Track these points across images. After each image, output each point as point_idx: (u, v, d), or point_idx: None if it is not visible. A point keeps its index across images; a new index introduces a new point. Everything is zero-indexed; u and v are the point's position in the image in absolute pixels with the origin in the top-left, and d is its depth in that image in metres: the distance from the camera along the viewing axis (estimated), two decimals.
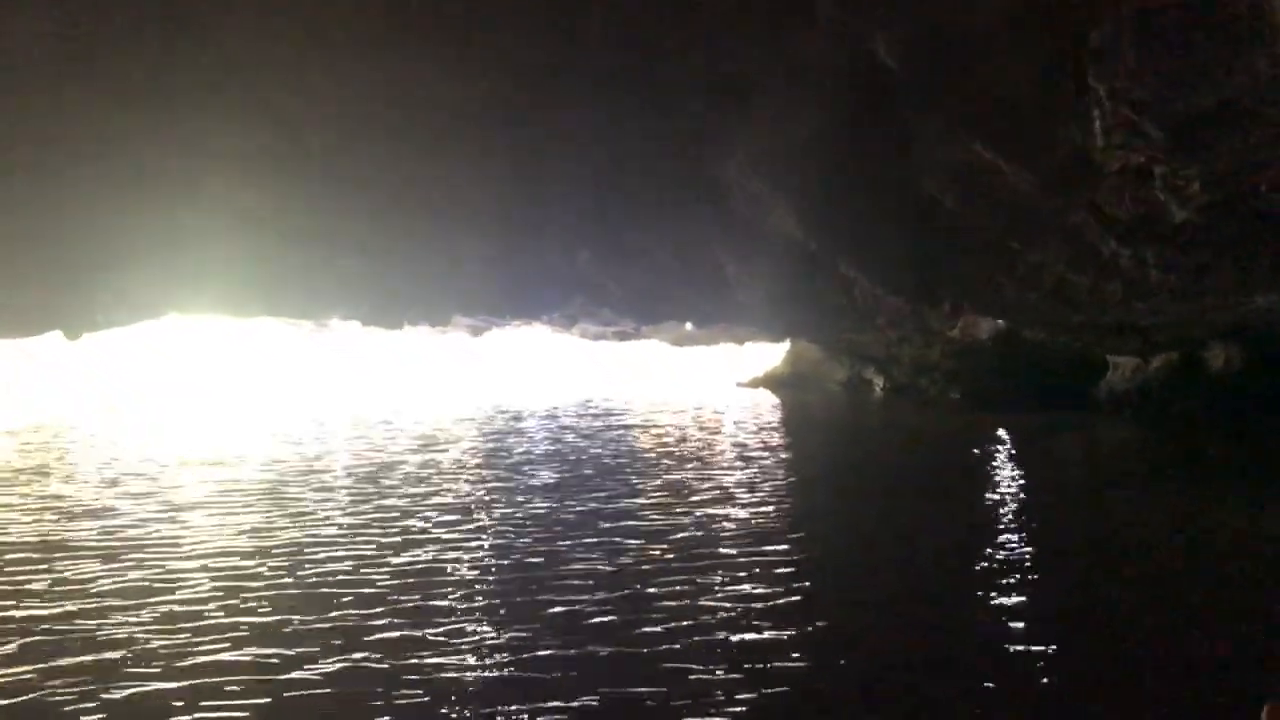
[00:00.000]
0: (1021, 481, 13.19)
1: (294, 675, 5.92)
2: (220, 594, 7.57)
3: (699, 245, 18.23)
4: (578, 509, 10.91)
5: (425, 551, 8.83)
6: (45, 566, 8.45)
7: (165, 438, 19.01)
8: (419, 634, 6.59)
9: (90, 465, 14.71)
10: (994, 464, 14.99)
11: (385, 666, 6.04)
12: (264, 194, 13.88)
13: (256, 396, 28.79)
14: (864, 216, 13.74)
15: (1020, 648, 6.35)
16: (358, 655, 6.23)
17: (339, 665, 6.08)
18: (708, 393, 29.86)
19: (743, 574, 7.96)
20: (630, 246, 18.71)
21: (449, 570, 8.21)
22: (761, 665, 6.00)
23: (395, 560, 8.52)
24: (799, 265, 17.02)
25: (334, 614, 7.04)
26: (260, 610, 7.16)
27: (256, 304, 19.15)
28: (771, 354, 31.37)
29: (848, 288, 17.83)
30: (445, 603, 7.32)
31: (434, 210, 15.00)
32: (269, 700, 5.58)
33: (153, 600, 7.42)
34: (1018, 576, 7.96)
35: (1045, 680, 5.85)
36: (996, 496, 11.99)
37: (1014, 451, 16.35)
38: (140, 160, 13.04)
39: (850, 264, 15.41)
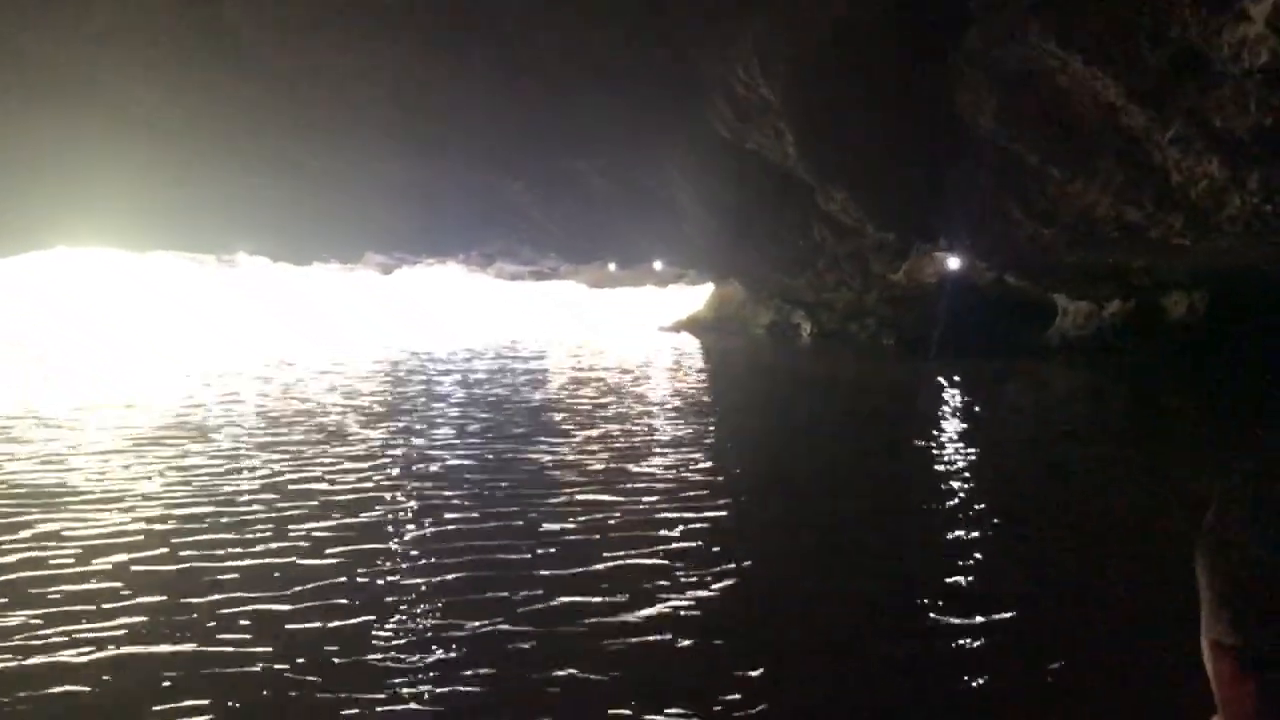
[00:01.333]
0: (971, 432, 12.26)
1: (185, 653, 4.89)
2: (106, 570, 6.10)
3: (649, 168, 16.04)
4: (498, 459, 9.90)
5: (332, 509, 7.69)
6: None
7: (52, 384, 15.83)
8: (320, 602, 5.65)
9: None
10: (944, 414, 13.89)
11: (290, 643, 5.05)
12: (171, 94, 10.85)
13: (154, 338, 25.00)
14: (874, 137, 11.88)
15: (972, 610, 5.63)
16: (255, 629, 5.21)
17: (239, 650, 4.99)
18: (630, 336, 27.92)
19: (672, 531, 7.24)
20: (569, 174, 16.35)
21: (360, 532, 7.13)
22: (691, 627, 5.36)
23: (298, 525, 7.22)
24: (767, 192, 15.18)
25: (237, 594, 5.75)
26: (149, 588, 5.81)
27: (159, 234, 15.90)
28: (695, 298, 29.61)
29: (815, 220, 16.10)
30: (354, 571, 6.22)
31: (357, 120, 12.24)
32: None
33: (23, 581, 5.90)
34: (972, 534, 7.35)
35: (989, 642, 5.18)
36: (949, 448, 11.17)
37: (963, 400, 15.35)
38: (18, 50, 9.81)
39: (840, 193, 13.55)
